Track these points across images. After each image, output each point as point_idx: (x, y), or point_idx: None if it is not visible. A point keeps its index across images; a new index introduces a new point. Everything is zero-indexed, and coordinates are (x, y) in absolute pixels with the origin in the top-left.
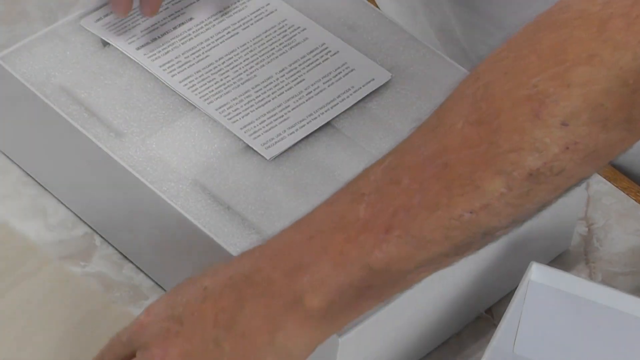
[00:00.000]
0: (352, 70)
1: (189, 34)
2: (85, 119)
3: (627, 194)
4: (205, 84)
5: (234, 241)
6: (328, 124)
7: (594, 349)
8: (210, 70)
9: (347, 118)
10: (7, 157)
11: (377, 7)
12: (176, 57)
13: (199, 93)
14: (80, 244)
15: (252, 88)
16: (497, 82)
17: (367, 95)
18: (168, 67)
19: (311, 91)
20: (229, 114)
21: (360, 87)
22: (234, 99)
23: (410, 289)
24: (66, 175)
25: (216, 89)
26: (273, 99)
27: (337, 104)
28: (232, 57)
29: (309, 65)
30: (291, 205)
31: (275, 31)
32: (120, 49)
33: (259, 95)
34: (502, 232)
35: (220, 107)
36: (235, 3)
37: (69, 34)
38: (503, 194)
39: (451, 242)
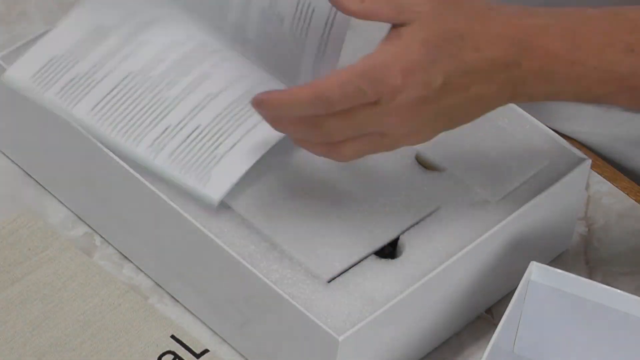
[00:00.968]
0: None
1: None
2: None
3: (627, 194)
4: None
5: (234, 241)
6: None
7: (594, 349)
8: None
9: None
10: (7, 157)
11: None
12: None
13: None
14: (80, 243)
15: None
16: None
17: None
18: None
19: None
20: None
21: None
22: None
23: (410, 289)
24: (66, 175)
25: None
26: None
27: None
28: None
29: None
30: (291, 205)
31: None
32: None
33: None
34: None
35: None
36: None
37: None
38: None
39: None
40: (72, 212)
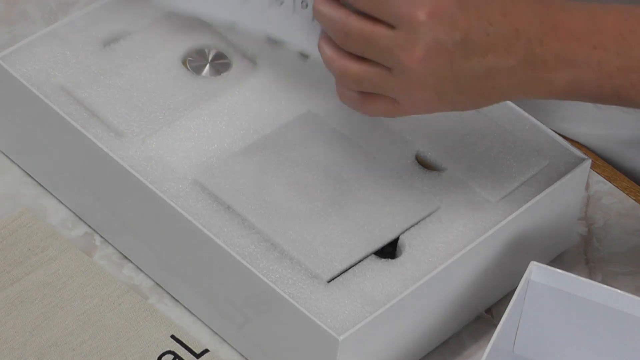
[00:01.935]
0: None
1: None
2: (85, 119)
3: (627, 194)
4: None
5: (234, 241)
6: (328, 124)
7: (594, 349)
8: None
9: (347, 118)
10: (7, 157)
11: None
12: None
13: None
14: (80, 244)
15: None
16: None
17: None
18: None
19: None
20: None
21: None
22: None
23: (410, 289)
24: (66, 175)
25: None
26: None
27: None
28: None
29: None
30: (291, 205)
31: None
32: None
33: None
34: None
35: None
36: None
37: (69, 34)
38: None
39: None
40: (72, 212)
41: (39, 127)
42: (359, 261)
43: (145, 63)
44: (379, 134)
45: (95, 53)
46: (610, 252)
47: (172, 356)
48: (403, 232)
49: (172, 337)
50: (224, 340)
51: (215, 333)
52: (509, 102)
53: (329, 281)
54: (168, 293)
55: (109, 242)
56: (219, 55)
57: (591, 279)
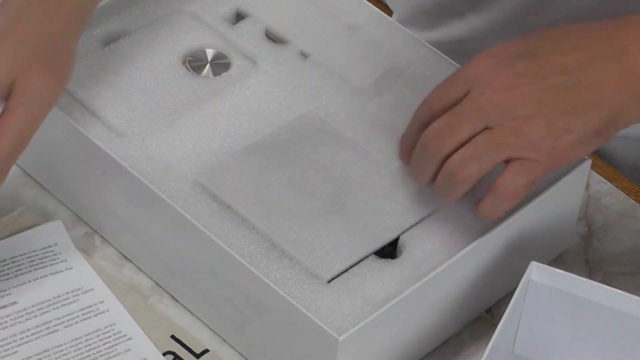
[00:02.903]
0: None
1: (6, 321)
2: (86, 119)
3: (627, 194)
4: None
5: (234, 241)
6: (328, 124)
7: (594, 349)
8: None
9: (347, 118)
10: None
11: (378, 6)
12: None
13: None
14: (80, 244)
15: None
16: None
17: (367, 96)
18: None
19: None
20: None
21: None
22: None
23: (410, 289)
24: (66, 175)
25: None
26: None
27: None
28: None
29: None
30: (291, 205)
31: (97, 335)
32: None
33: None
34: None
35: None
36: (66, 293)
37: None
38: None
39: None
40: (72, 212)
41: (38, 127)
42: (359, 261)
43: (145, 63)
44: (379, 134)
45: (95, 53)
46: (610, 252)
47: (172, 356)
48: (403, 232)
49: (172, 337)
50: (224, 340)
51: (215, 333)
52: None
53: (329, 281)
54: (168, 293)
55: (109, 242)
56: (219, 55)
57: (591, 279)
